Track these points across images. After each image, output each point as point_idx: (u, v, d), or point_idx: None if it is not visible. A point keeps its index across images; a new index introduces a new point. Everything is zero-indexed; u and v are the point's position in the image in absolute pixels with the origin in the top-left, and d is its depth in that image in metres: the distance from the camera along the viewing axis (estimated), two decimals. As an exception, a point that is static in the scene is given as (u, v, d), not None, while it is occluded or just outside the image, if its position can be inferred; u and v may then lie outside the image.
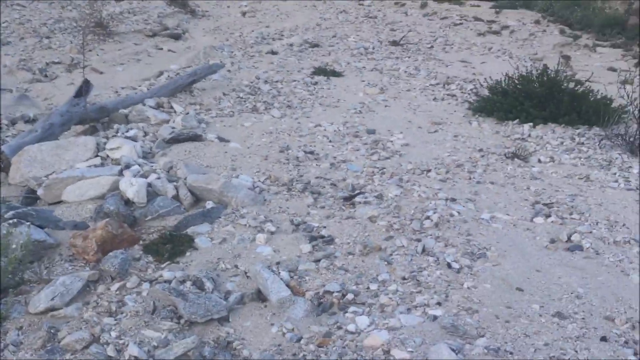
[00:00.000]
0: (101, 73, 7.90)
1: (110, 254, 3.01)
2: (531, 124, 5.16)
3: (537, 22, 11.76)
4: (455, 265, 2.94)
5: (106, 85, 7.29)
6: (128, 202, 3.60)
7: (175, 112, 5.65)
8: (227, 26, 11.87)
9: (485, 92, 5.83)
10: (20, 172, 3.97)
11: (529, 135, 4.97)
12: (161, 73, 7.60)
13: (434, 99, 6.26)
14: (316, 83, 6.64)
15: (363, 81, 6.86)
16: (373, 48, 8.77)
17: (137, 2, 13.72)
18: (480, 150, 4.65)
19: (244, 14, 13.35)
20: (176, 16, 12.49)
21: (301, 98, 6.03)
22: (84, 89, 5.30)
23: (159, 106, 5.70)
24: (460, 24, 11.55)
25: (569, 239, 3.23)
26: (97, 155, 4.18)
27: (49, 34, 10.20)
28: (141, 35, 10.38)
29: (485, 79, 6.15)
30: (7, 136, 5.49)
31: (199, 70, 6.33)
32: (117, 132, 5.09)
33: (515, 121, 5.26)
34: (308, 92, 6.23)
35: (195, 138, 4.70)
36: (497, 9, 12.93)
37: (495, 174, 4.21)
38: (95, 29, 10.00)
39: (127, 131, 5.06)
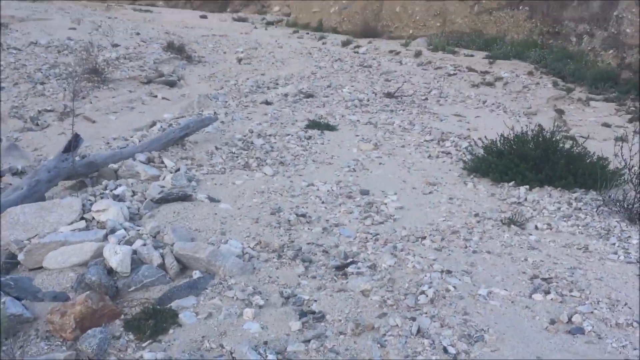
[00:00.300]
0: (93, 122, 7.82)
1: (89, 332, 2.85)
2: (527, 186, 5.08)
3: (531, 73, 11.84)
4: (452, 350, 2.79)
5: (98, 135, 7.21)
6: (111, 271, 3.45)
7: (166, 167, 5.55)
8: (222, 73, 11.88)
9: (480, 151, 5.76)
10: (1, 234, 3.83)
11: (525, 199, 4.88)
12: (154, 123, 7.52)
13: (429, 157, 6.18)
14: (310, 137, 6.57)
15: (357, 136, 6.80)
16: (368, 100, 8.75)
17: (134, 47, 13.79)
18: (476, 215, 4.54)
19: (239, 60, 13.40)
20: (172, 62, 12.52)
21: (294, 154, 5.94)
22: (73, 143, 5.20)
23: (149, 161, 5.60)
24: (455, 74, 11.61)
25: (569, 320, 3.09)
26: (82, 217, 4.04)
27: (44, 79, 10.16)
28: (136, 82, 10.35)
29: (480, 138, 6.09)
30: (-8, 190, 5.37)
31: (191, 123, 6.24)
32: (105, 188, 4.97)
33: (511, 183, 5.18)
34: (302, 148, 6.14)
35: (185, 198, 4.57)
36: (491, 59, 13.04)
37: (491, 242, 4.09)
38: (90, 75, 9.97)
39: (115, 188, 4.94)
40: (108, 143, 6.72)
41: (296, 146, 6.17)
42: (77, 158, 5.82)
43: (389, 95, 9.00)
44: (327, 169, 5.61)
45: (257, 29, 21.61)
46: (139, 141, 6.58)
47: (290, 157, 5.84)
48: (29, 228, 3.88)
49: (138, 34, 17.29)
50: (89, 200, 4.64)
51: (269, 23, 23.46)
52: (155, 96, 9.64)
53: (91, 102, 8.86)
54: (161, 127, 7.18)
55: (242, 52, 14.73)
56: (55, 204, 4.10)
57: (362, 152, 6.18)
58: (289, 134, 6.63)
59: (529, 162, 5.16)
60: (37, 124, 7.60)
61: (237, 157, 5.79)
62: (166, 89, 10.26)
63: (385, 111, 8.11)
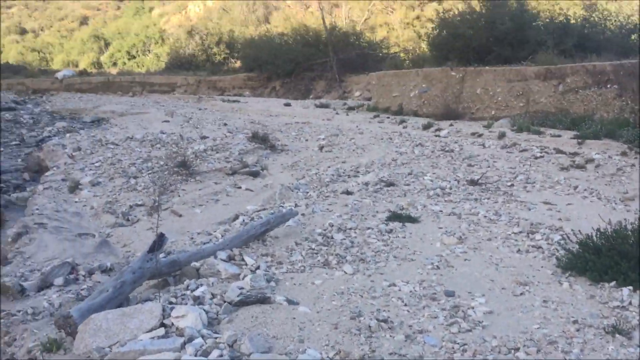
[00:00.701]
0: (180, 216, 8.03)
1: None
2: (630, 287, 4.62)
3: (624, 153, 11.22)
4: None
5: (183, 229, 7.36)
6: (187, 384, 3.36)
7: (246, 264, 5.52)
8: (304, 162, 12.06)
9: (575, 246, 5.36)
10: (85, 342, 3.85)
11: (630, 303, 4.42)
12: (237, 216, 7.62)
13: (518, 251, 5.82)
14: (391, 231, 6.39)
15: (440, 228, 6.55)
16: (450, 188, 8.52)
17: (221, 139, 14.34)
18: (575, 321, 4.14)
19: (321, 148, 13.60)
20: (256, 152, 12.87)
21: (375, 249, 5.77)
22: (158, 243, 5.29)
23: (230, 259, 5.60)
24: (541, 156, 11.19)
25: None
26: (162, 323, 4.02)
27: (137, 173, 10.66)
28: (221, 174, 10.66)
29: (573, 231, 5.69)
30: (82, 289, 5.51)
31: (272, 219, 6.25)
32: (187, 288, 4.99)
33: (612, 283, 4.73)
34: (382, 242, 5.97)
35: (264, 300, 4.48)
36: (580, 139, 12.53)
37: (594, 355, 3.69)
38: (179, 169, 10.36)
39: (196, 288, 4.95)
40: (192, 238, 6.83)
41: (377, 241, 6.01)
42: (161, 255, 5.93)
43: (473, 182, 8.73)
44: (410, 266, 5.38)
45: (339, 114, 22.05)
46: (221, 236, 6.65)
47: (370, 253, 5.67)
48: (111, 335, 3.88)
49: (225, 124, 18.08)
50: (171, 302, 4.64)
51: (350, 108, 23.92)
52: (240, 187, 9.85)
53: (179, 195, 9.15)
54: (243, 220, 7.25)
55: (323, 139, 14.98)
56: (137, 309, 4.11)
57: (445, 247, 5.92)
58: (369, 227, 6.49)
59: (631, 260, 4.73)
60: (128, 219, 7.89)
61: (316, 253, 5.69)
62: (250, 179, 10.48)
63: (469, 200, 7.84)
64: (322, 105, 25.27)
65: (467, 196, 8.06)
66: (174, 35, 44.62)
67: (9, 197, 11.51)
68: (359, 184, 9.22)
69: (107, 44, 53.06)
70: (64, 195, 9.75)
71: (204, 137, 14.42)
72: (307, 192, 8.74)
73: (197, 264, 5.47)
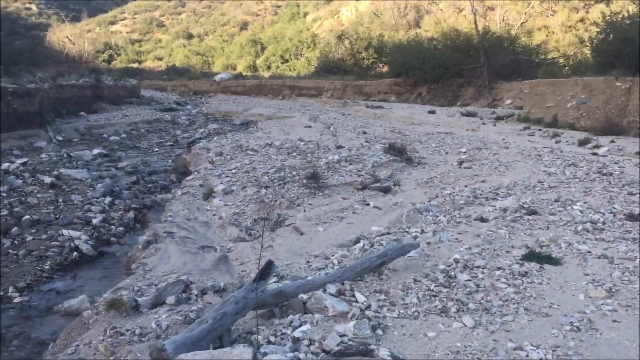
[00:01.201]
0: (302, 234, 7.76)
1: None
2: None
3: None
4: None
5: (302, 250, 7.07)
6: None
7: (356, 301, 5.06)
8: (440, 178, 11.33)
9: None
10: (169, 383, 3.63)
11: None
12: (358, 240, 7.18)
13: (686, 316, 4.77)
14: (526, 274, 5.57)
15: (586, 275, 5.59)
16: (603, 222, 7.39)
17: (357, 149, 14.01)
18: None
19: (460, 163, 12.76)
20: (390, 165, 12.36)
21: (503, 298, 5.02)
22: (265, 272, 5.01)
23: (340, 293, 5.17)
24: None
25: None
26: (251, 372, 3.70)
27: (268, 183, 10.63)
28: (351, 188, 10.29)
29: None
30: (192, 310, 5.39)
31: (390, 251, 5.73)
32: (290, 324, 4.65)
33: None
34: (513, 289, 5.18)
35: (365, 353, 3.99)
36: None
37: None
38: (309, 181, 10.15)
39: (299, 326, 4.59)
40: (308, 262, 6.50)
41: (507, 286, 5.23)
42: (272, 280, 5.66)
43: (632, 217, 7.51)
44: (543, 323, 4.58)
45: (485, 124, 20.84)
46: (337, 263, 6.26)
47: (498, 301, 4.93)
48: (197, 379, 3.63)
49: (364, 132, 17.76)
50: (269, 340, 4.33)
51: (499, 118, 22.51)
52: (368, 204, 9.41)
53: (305, 210, 8.92)
54: (363, 246, 6.79)
55: (464, 152, 14.11)
56: (226, 353, 3.82)
57: (590, 301, 5.00)
58: (500, 267, 5.71)
59: None
60: (250, 234, 7.78)
61: (435, 296, 5.07)
62: (380, 196, 10.00)
63: (626, 240, 6.70)
64: (468, 114, 24.08)
65: (623, 234, 6.91)
66: (325, 40, 45.32)
67: (155, 197, 12.09)
68: (496, 209, 8.36)
69: (263, 48, 55.40)
70: (198, 202, 9.96)
71: (339, 147, 14.19)
72: (437, 217, 8.07)
73: (305, 297, 5.11)
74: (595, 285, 5.31)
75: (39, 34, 56.78)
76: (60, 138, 18.50)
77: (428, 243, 6.80)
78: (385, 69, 38.01)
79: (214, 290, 5.84)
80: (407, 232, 7.32)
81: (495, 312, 4.73)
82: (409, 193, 10.25)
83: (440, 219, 7.94)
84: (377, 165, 12.16)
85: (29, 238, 8.94)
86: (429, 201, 9.31)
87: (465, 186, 10.33)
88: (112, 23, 63.47)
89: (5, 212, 9.84)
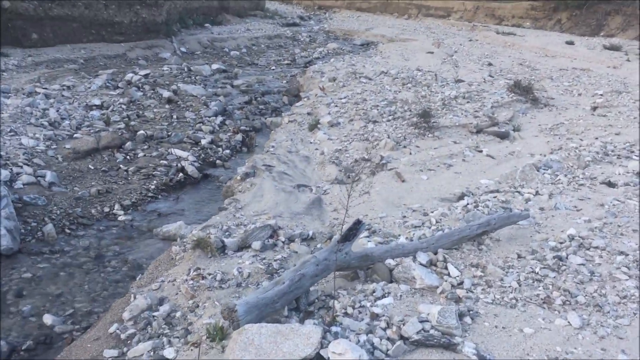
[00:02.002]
0: (403, 181, 7.25)
1: None
2: None
3: None
4: None
5: (400, 201, 6.60)
6: None
7: (449, 274, 4.58)
8: (568, 125, 10.19)
9: None
10: (234, 354, 3.42)
11: None
12: (462, 196, 6.57)
13: None
14: (653, 264, 4.76)
15: None
16: None
17: (477, 84, 12.95)
18: None
19: (594, 108, 11.41)
20: (513, 106, 11.29)
21: (621, 293, 4.29)
22: (352, 233, 4.63)
23: (431, 264, 4.70)
24: None
25: None
26: (317, 354, 3.39)
27: (377, 117, 10.08)
28: (465, 131, 9.50)
29: None
30: (275, 259, 5.18)
31: (493, 220, 5.11)
32: (372, 293, 4.29)
33: None
34: (636, 283, 4.44)
35: (448, 346, 3.56)
36: None
37: None
38: (419, 120, 9.47)
39: (382, 297, 4.22)
40: (404, 217, 6.03)
41: (628, 278, 4.48)
42: (363, 235, 5.29)
43: None
44: (666, 333, 3.87)
45: (630, 61, 18.56)
46: (435, 222, 5.74)
47: (614, 297, 4.23)
48: (261, 353, 3.39)
49: (490, 64, 16.44)
50: (346, 312, 4.01)
51: (647, 54, 19.92)
52: (481, 151, 8.65)
53: (410, 153, 8.35)
54: (467, 204, 6.18)
55: (600, 95, 12.63)
56: (294, 330, 3.53)
57: None
58: (623, 252, 4.92)
59: None
60: (349, 176, 7.38)
61: (539, 281, 4.45)
62: (495, 142, 9.17)
63: None
64: (611, 47, 21.55)
65: None
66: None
67: (265, 120, 11.96)
68: (628, 172, 7.32)
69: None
70: (303, 132, 9.66)
71: (459, 81, 13.16)
72: (557, 175, 7.20)
73: (393, 263, 4.69)
74: None
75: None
76: (184, 50, 18.79)
77: (541, 209, 6.06)
78: (523, -10, 34.76)
79: (301, 238, 5.58)
80: (519, 192, 6.58)
81: (608, 312, 4.06)
82: (529, 141, 9.30)
83: (560, 179, 7.07)
84: (497, 105, 11.14)
85: (140, 154, 9.14)
86: (551, 154, 8.38)
87: (596, 138, 9.19)
88: None
89: (122, 125, 10.11)
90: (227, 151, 9.95)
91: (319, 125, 9.54)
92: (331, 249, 4.49)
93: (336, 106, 10.96)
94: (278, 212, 6.16)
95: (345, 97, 11.58)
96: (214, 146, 9.99)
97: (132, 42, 16.95)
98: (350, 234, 4.61)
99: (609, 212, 5.92)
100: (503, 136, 9.43)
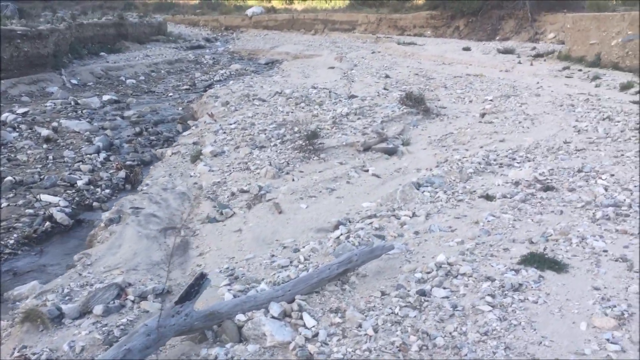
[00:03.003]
0: (280, 213, 6.78)
1: None
2: None
3: None
4: None
5: (273, 236, 6.12)
6: None
7: (304, 325, 4.11)
8: (456, 135, 10.10)
9: None
10: None
11: None
12: (338, 225, 6.16)
13: None
14: (519, 287, 4.46)
15: (596, 290, 4.45)
16: (629, 206, 6.09)
17: (371, 98, 12.75)
18: None
19: (483, 115, 11.42)
20: (404, 119, 11.12)
21: (482, 329, 3.92)
22: (195, 289, 4.08)
23: (285, 315, 4.22)
24: None
25: None
26: None
27: (265, 142, 9.61)
28: (352, 150, 9.18)
29: None
30: (119, 324, 4.55)
31: (355, 256, 4.70)
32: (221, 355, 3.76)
33: None
34: (498, 314, 4.07)
35: (282, 423, 3.08)
36: None
37: None
38: (306, 142, 9.06)
39: (225, 362, 3.69)
40: (273, 256, 5.54)
41: (491, 309, 4.14)
42: (224, 282, 4.77)
43: (666, 198, 6.22)
44: (526, 372, 3.54)
45: (522, 63, 19.08)
46: (304, 260, 5.29)
47: (474, 334, 3.87)
48: None
49: (387, 76, 16.36)
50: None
51: (538, 55, 20.59)
52: (367, 170, 8.33)
53: (293, 180, 7.91)
54: (341, 234, 5.77)
55: (490, 101, 12.72)
56: None
57: (593, 333, 3.89)
58: (489, 278, 4.60)
59: None
60: (222, 213, 6.83)
61: (398, 324, 4.05)
62: (383, 159, 8.90)
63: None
64: (505, 51, 22.14)
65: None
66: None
67: (155, 151, 11.26)
68: (507, 182, 7.18)
69: (300, -21, 52.75)
70: (185, 165, 9.06)
71: (352, 97, 12.92)
72: (437, 192, 6.93)
73: (244, 318, 4.18)
74: (603, 306, 4.18)
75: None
76: (74, 81, 17.73)
77: (416, 233, 5.73)
78: (422, 0, 35.55)
79: (155, 294, 4.98)
80: (396, 215, 6.24)
81: (466, 355, 3.69)
82: (417, 155, 9.09)
83: (439, 196, 6.81)
84: (388, 119, 10.93)
85: (4, 205, 8.24)
86: (437, 167, 8.17)
87: (481, 147, 9.10)
88: (148, -46, 61.42)
89: (-14, 173, 9.17)
90: (108, 191, 9.19)
91: (201, 156, 8.96)
92: (166, 313, 3.93)
93: (224, 133, 10.41)
94: (134, 265, 5.54)
95: (234, 123, 11.06)
96: (92, 187, 9.20)
97: (14, 79, 15.76)
98: (192, 292, 4.07)
99: (482, 230, 5.67)
100: (391, 152, 9.18)
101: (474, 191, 6.93)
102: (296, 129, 10.20)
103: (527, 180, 7.13)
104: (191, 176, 8.36)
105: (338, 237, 5.68)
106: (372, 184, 7.79)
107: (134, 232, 6.25)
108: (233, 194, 7.31)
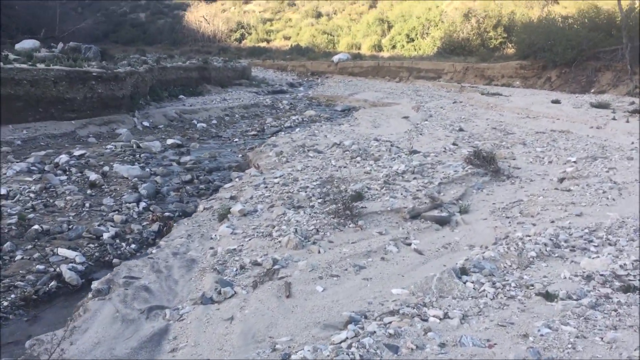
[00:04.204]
0: (288, 296, 5.61)
1: None
2: None
3: None
4: None
5: (267, 332, 4.95)
6: None
7: None
8: (526, 203, 8.55)
9: None
10: None
11: None
12: (349, 322, 4.90)
13: None
14: None
15: None
16: None
17: (434, 155, 11.42)
18: None
19: (561, 180, 9.78)
20: (467, 180, 9.69)
21: None
22: None
23: None
24: None
25: None
26: None
27: (303, 202, 8.54)
28: (397, 218, 7.89)
29: None
30: None
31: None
32: None
33: None
34: None
35: None
36: None
37: None
38: (345, 205, 7.88)
39: None
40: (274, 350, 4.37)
41: None
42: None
43: None
44: None
45: (616, 120, 16.98)
46: (288, 374, 4.07)
47: None
48: None
49: (461, 130, 14.94)
50: None
51: (636, 111, 18.33)
52: (409, 244, 7.01)
53: (319, 252, 6.72)
54: (346, 338, 4.52)
55: (573, 162, 11.02)
56: None
57: None
58: None
59: None
60: (220, 292, 5.72)
61: None
62: (432, 230, 7.55)
63: None
64: (599, 105, 19.99)
65: None
66: (450, 18, 41.51)
67: (199, 202, 10.45)
68: (576, 275, 5.64)
69: (389, 27, 52.37)
70: (210, 224, 8.12)
71: (412, 152, 11.64)
72: (482, 285, 5.51)
73: None
74: None
75: (179, 14, 58.26)
76: (146, 124, 17.63)
77: (441, 345, 4.36)
78: (512, 50, 33.75)
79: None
80: (422, 315, 4.89)
81: None
82: (474, 227, 7.67)
83: (484, 290, 5.38)
84: (447, 180, 9.54)
85: (19, 257, 7.64)
86: (493, 244, 6.73)
87: (552, 222, 7.53)
88: (246, 2, 63.63)
89: (14, 219, 8.68)
90: (133, 246, 8.40)
91: (228, 215, 8.01)
92: None
93: (265, 187, 9.45)
94: (92, 357, 4.54)
95: (280, 176, 10.09)
96: (118, 241, 8.47)
97: (85, 119, 15.81)
98: None
99: (531, 350, 4.21)
100: (443, 222, 7.81)
101: (531, 285, 5.44)
102: (343, 187, 9.07)
103: (602, 275, 5.56)
104: (211, 238, 7.40)
105: (340, 343, 4.41)
106: (411, 262, 6.46)
107: (111, 311, 5.28)
108: (242, 267, 6.21)
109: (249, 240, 7.00)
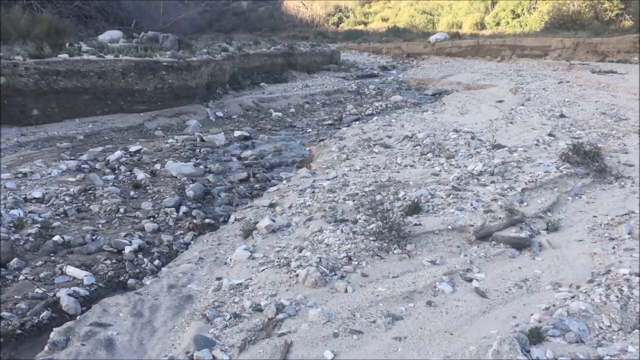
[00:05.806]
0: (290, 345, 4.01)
1: None
2: None
3: None
4: None
5: None
6: None
7: None
8: (638, 217, 6.31)
9: None
10: None
11: None
12: None
13: None
14: None
15: None
16: None
17: (523, 149, 9.24)
18: None
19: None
20: (561, 184, 7.53)
21: None
22: None
23: None
24: None
25: None
26: None
27: (349, 214, 6.86)
28: (460, 239, 5.99)
29: None
30: None
31: None
32: None
33: None
34: None
35: None
36: None
37: None
38: (386, 226, 6.10)
39: None
40: None
41: None
42: None
43: None
44: None
45: None
46: None
47: None
48: None
49: (562, 116, 12.44)
50: None
51: None
52: (470, 279, 5.16)
53: (346, 290, 5.04)
54: None
55: None
56: None
57: None
58: None
59: None
60: (192, 359, 4.22)
61: None
62: (505, 257, 5.61)
63: None
64: None
65: None
66: (559, -10, 37.20)
67: (237, 208, 9.06)
68: None
69: (493, 3, 48.38)
70: (232, 241, 6.67)
71: (497, 146, 9.48)
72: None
73: None
74: None
75: (277, 1, 57.66)
76: (220, 114, 16.60)
77: None
78: (630, 22, 29.40)
79: None
80: None
81: None
82: (564, 253, 5.62)
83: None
84: (534, 185, 7.41)
85: (24, 275, 6.64)
86: (588, 283, 4.72)
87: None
88: (345, -14, 61.72)
89: (35, 229, 7.74)
90: (157, 262, 7.17)
91: (253, 233, 6.50)
92: None
93: (313, 192, 7.87)
94: None
95: (334, 178, 8.46)
96: (140, 256, 7.27)
97: (155, 111, 15.01)
98: None
99: None
100: (521, 245, 5.81)
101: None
102: (401, 193, 7.29)
103: None
104: (225, 263, 5.94)
105: None
106: (467, 310, 4.62)
107: (53, 375, 3.98)
108: (237, 315, 4.65)
109: (262, 271, 5.44)
